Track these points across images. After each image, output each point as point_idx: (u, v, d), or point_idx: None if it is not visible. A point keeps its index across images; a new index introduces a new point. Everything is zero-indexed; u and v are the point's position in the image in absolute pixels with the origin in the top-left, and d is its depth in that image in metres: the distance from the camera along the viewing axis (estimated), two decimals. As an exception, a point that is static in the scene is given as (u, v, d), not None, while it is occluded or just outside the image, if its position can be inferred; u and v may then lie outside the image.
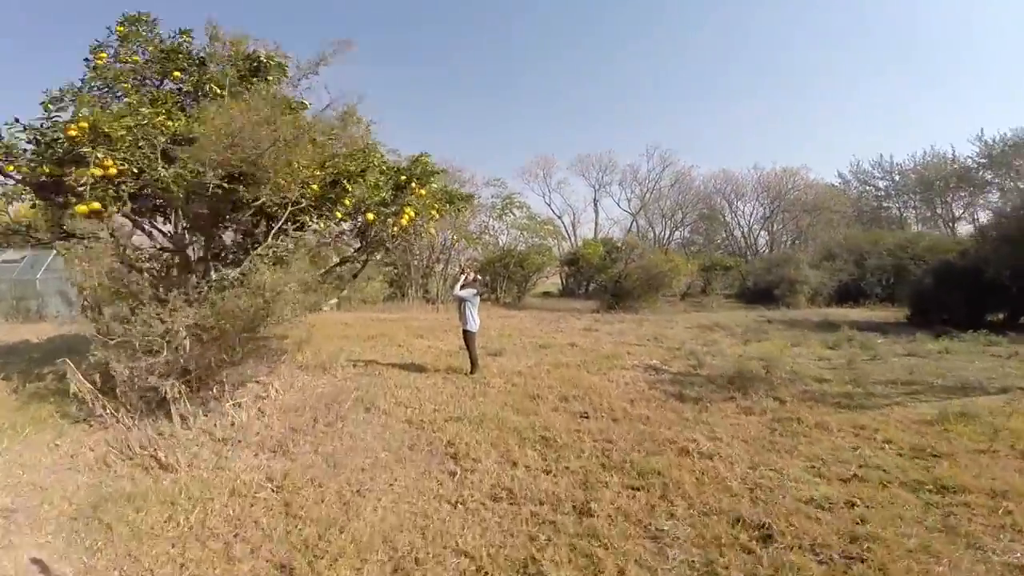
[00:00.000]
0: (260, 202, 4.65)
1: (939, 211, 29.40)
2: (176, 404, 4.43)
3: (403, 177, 5.70)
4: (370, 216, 5.44)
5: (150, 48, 5.64)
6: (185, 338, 4.73)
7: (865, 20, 51.09)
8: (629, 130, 56.17)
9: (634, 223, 31.94)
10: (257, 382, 6.46)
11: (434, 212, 5.91)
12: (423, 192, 5.77)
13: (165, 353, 4.43)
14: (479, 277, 7.11)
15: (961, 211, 28.72)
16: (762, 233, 31.55)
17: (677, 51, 56.13)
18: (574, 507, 3.31)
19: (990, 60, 46.83)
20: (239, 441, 4.59)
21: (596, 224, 32.19)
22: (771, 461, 4.04)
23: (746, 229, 31.95)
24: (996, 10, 46.28)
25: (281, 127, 4.28)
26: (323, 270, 5.86)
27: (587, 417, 5.07)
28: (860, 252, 21.50)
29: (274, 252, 4.74)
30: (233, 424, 5.03)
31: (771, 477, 3.76)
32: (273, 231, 4.82)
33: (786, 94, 52.80)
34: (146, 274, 5.44)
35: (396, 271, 18.34)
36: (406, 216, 5.47)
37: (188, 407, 4.59)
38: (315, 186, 4.94)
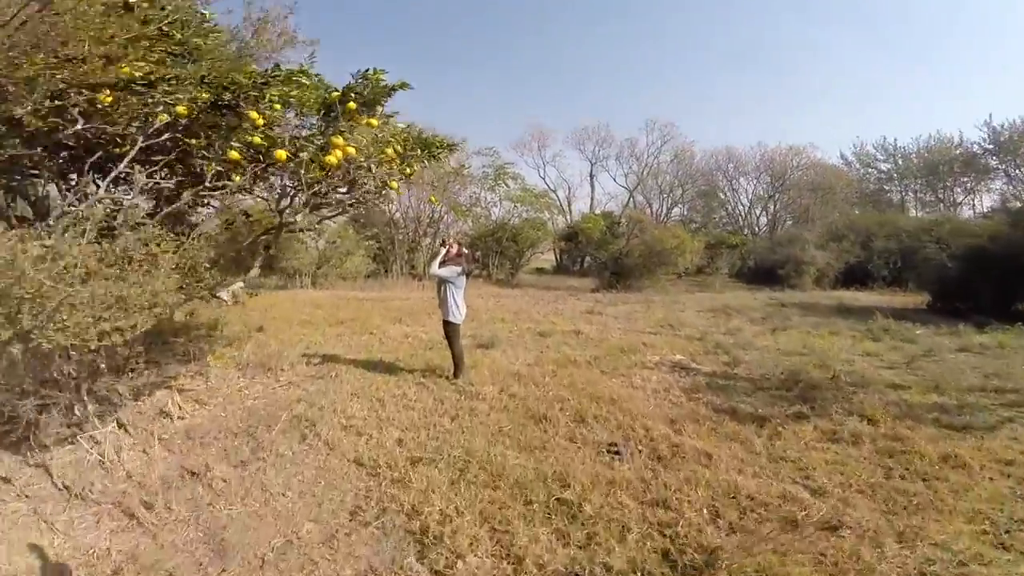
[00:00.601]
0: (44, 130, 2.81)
1: (940, 195, 28.33)
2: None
3: (334, 94, 3.82)
4: (281, 154, 3.63)
5: None
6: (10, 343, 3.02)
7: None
8: (628, 103, 53.51)
9: (631, 199, 30.24)
10: (169, 387, 4.81)
11: (390, 152, 4.04)
12: (373, 122, 3.93)
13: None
14: (466, 251, 5.36)
15: (963, 197, 27.75)
16: (762, 212, 30.14)
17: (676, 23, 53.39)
18: None
19: (995, 44, 44.98)
20: (88, 495, 2.97)
21: (592, 199, 30.45)
22: (923, 528, 2.59)
23: (746, 207, 30.52)
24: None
25: None
26: (244, 241, 4.08)
27: (618, 454, 3.50)
28: (867, 234, 20.40)
29: (105, 213, 2.93)
30: (102, 462, 3.40)
31: (941, 559, 2.34)
32: (106, 181, 3.01)
33: (789, 68, 50.46)
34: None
35: (379, 245, 16.76)
36: (335, 153, 3.66)
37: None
38: (181, 108, 3.18)
